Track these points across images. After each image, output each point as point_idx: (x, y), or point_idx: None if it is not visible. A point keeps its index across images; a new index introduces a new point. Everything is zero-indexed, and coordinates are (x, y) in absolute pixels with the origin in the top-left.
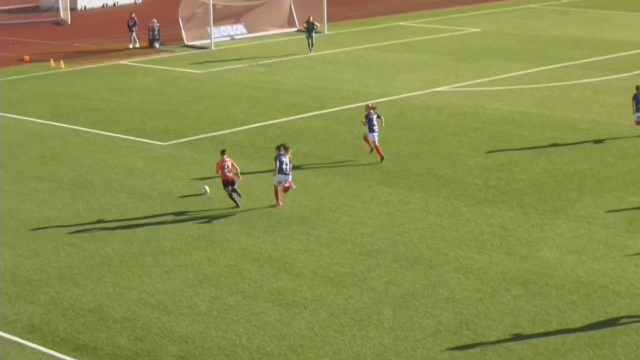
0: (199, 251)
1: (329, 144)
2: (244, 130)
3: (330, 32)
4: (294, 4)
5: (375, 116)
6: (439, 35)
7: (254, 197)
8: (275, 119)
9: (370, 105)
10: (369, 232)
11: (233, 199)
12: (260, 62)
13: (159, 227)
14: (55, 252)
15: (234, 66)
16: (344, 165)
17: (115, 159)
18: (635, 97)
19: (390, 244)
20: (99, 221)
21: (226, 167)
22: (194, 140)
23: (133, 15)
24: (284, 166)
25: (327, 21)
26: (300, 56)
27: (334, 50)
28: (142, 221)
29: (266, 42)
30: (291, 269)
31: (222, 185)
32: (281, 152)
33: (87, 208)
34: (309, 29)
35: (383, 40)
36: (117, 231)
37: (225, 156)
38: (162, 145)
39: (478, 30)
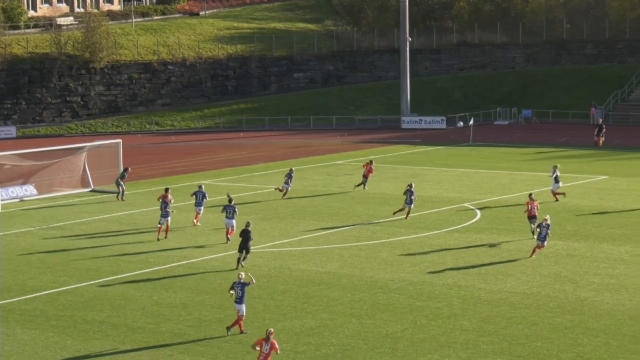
0: None
1: (125, 310)
2: (34, 297)
3: (127, 193)
4: (87, 164)
5: None
6: (241, 194)
7: None
8: (68, 285)
9: None
10: None
11: None
12: (52, 225)
13: None
14: None
15: (23, 229)
16: (141, 333)
17: None
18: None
19: None
20: None
21: None
22: None
23: None
24: None
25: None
26: (95, 218)
27: (131, 212)
28: None
29: (58, 203)
30: None
31: None
32: None
33: None
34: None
35: (183, 200)
36: None
37: None
38: None
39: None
